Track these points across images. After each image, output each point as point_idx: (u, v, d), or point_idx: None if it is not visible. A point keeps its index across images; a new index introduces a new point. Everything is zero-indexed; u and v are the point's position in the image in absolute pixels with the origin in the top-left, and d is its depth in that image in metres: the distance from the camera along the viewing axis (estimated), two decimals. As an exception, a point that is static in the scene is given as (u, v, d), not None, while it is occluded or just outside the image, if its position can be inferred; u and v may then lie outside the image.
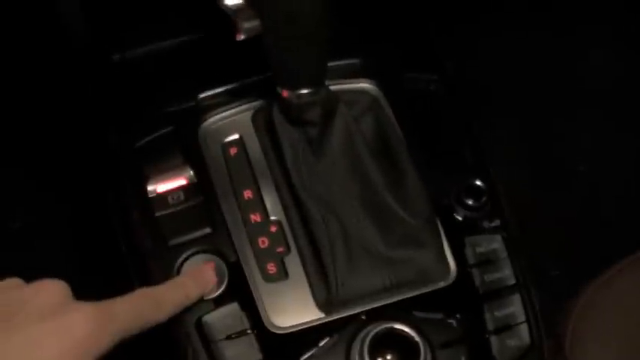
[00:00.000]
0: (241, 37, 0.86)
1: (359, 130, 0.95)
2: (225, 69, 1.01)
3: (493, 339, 0.90)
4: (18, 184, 1.27)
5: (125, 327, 0.75)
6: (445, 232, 0.94)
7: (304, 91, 0.90)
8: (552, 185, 1.21)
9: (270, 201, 0.95)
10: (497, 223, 0.95)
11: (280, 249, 0.93)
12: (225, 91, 1.01)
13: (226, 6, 0.86)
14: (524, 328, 0.92)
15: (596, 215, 1.19)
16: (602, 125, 1.26)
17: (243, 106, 1.00)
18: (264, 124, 0.98)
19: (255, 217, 0.94)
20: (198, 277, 0.88)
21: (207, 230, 0.92)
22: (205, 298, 0.89)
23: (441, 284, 0.92)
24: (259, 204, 0.94)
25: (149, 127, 0.98)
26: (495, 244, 0.94)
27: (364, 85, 1.01)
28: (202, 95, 1.00)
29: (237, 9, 0.86)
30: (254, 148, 0.97)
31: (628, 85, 1.29)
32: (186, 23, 1.03)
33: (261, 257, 0.92)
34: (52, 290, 0.73)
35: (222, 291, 0.90)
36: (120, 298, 0.77)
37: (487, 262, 0.93)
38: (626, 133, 1.27)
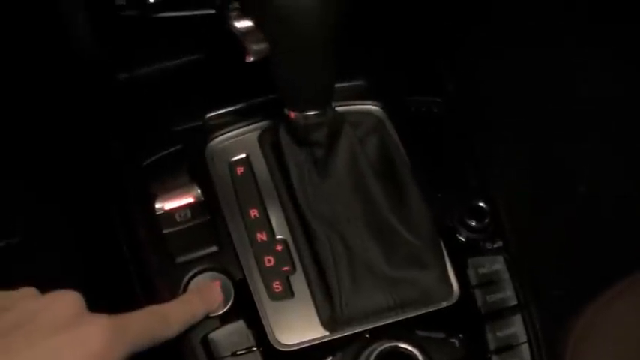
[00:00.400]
0: (250, 59, 0.88)
1: (364, 152, 0.97)
2: (232, 89, 1.03)
3: (495, 359, 0.92)
4: (19, 196, 1.27)
5: (136, 341, 0.76)
6: (448, 252, 0.96)
7: (311, 113, 0.91)
8: (553, 205, 1.23)
9: (276, 220, 0.96)
10: (499, 244, 0.96)
11: (286, 267, 0.94)
12: (232, 111, 1.02)
13: (236, 28, 0.88)
14: (525, 349, 0.93)
15: (597, 235, 1.20)
16: (602, 147, 1.28)
17: (250, 126, 1.01)
18: (270, 145, 0.99)
19: (262, 236, 0.95)
20: (204, 294, 0.90)
21: (214, 248, 0.94)
22: (212, 315, 0.90)
23: (444, 304, 0.93)
24: (265, 223, 0.96)
25: (156, 146, 0.99)
26: (497, 265, 0.95)
27: (369, 106, 1.03)
28: (209, 115, 1.02)
29: (246, 32, 0.88)
30: (260, 167, 0.99)
31: (627, 105, 1.31)
32: (194, 43, 1.05)
33: (267, 275, 0.93)
34: (67, 301, 0.73)
35: (229, 308, 0.91)
36: (131, 313, 0.78)
37: (489, 282, 0.94)
38: (625, 154, 1.28)
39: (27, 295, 0.75)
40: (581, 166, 1.23)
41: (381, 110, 1.03)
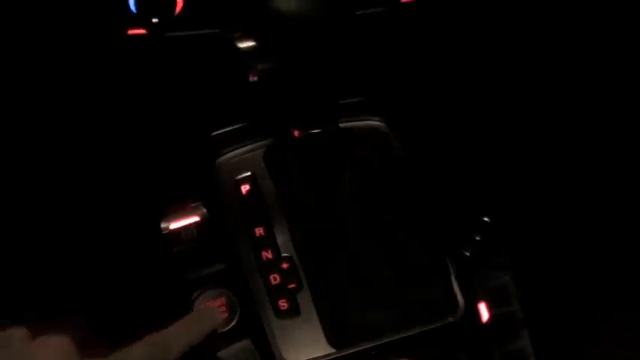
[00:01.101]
0: (254, 78, 0.88)
1: (370, 168, 0.97)
2: (238, 107, 1.03)
3: None
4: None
5: None
6: (454, 268, 0.96)
7: (315, 131, 0.92)
8: (558, 217, 1.22)
9: (282, 238, 0.96)
10: (505, 259, 0.97)
11: (292, 285, 0.94)
12: (237, 128, 1.03)
13: (239, 48, 0.89)
14: None
15: (602, 245, 1.19)
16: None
17: (256, 144, 1.02)
18: (276, 162, 0.99)
19: (267, 254, 0.95)
20: (205, 317, 0.90)
21: (220, 267, 0.94)
22: (219, 331, 0.91)
23: (450, 320, 0.93)
24: (271, 241, 0.96)
25: (162, 164, 1.00)
26: (504, 280, 0.96)
27: (374, 123, 1.03)
28: (215, 133, 1.02)
29: (249, 51, 0.88)
30: (266, 185, 0.99)
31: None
32: (199, 62, 1.05)
33: (273, 293, 0.94)
34: (56, 348, 0.71)
35: (235, 326, 0.91)
36: (130, 348, 0.77)
37: (496, 297, 0.95)
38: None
39: (17, 336, 0.73)
40: (582, 174, 1.22)
41: (385, 126, 1.03)
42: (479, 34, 1.05)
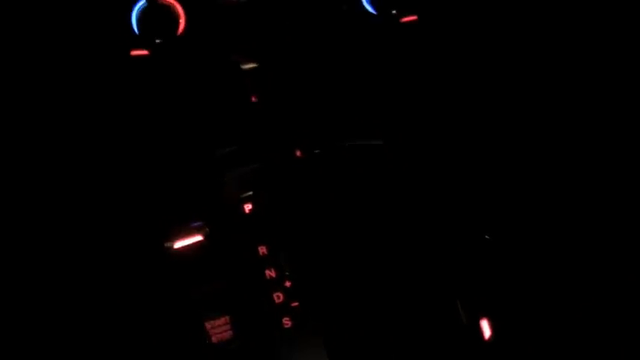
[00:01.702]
0: (255, 99, 0.89)
1: (371, 187, 0.98)
2: (240, 127, 1.04)
3: None
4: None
5: None
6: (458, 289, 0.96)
7: (317, 151, 0.93)
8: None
9: (285, 257, 0.97)
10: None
11: (295, 303, 0.95)
12: (240, 148, 1.04)
13: (242, 68, 0.90)
14: None
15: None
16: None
17: (258, 164, 1.03)
18: (278, 182, 1.00)
19: (271, 273, 0.96)
20: None
21: (224, 285, 0.95)
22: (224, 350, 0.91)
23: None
24: (274, 259, 0.97)
25: (165, 184, 1.01)
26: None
27: (375, 142, 1.04)
28: (218, 152, 1.03)
29: (252, 71, 0.89)
30: (269, 204, 1.00)
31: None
32: (204, 83, 1.06)
33: (277, 312, 0.94)
34: None
35: (240, 345, 0.92)
36: None
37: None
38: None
39: None
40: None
41: (387, 147, 1.04)
42: (478, 51, 1.06)
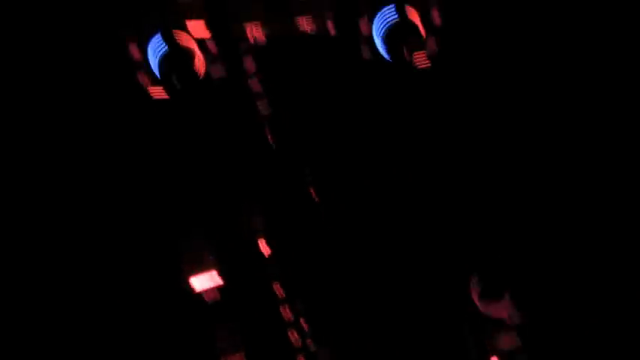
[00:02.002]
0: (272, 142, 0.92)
1: (382, 231, 1.00)
2: (258, 168, 1.06)
3: None
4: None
5: None
6: (467, 324, 0.98)
7: (333, 194, 0.95)
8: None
9: (303, 297, 0.99)
10: (516, 317, 0.98)
11: (311, 342, 0.96)
12: (260, 190, 1.06)
13: (261, 114, 0.93)
14: None
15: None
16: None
17: (276, 206, 1.05)
18: (294, 223, 1.02)
19: (287, 313, 0.98)
20: None
21: (240, 324, 0.97)
22: None
23: None
24: (290, 300, 0.99)
25: (187, 229, 1.03)
26: (515, 340, 0.97)
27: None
28: (236, 192, 1.05)
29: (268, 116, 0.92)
30: (286, 245, 1.02)
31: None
32: (223, 125, 1.09)
33: (293, 351, 0.96)
34: None
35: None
36: None
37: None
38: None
39: None
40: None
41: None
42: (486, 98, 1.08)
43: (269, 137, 0.94)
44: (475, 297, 0.98)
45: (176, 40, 0.97)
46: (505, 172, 1.08)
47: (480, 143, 1.08)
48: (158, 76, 1.00)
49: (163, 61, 0.99)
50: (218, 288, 0.99)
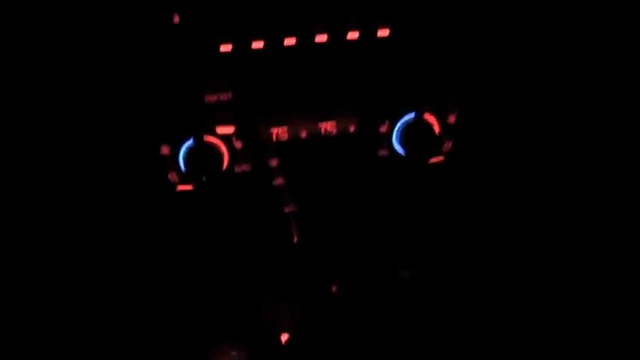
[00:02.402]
0: (296, 240, 0.96)
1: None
2: (280, 261, 1.10)
3: None
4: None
5: None
6: None
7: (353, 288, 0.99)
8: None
9: None
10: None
11: None
12: (279, 279, 1.10)
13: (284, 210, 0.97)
14: None
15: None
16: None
17: (296, 296, 1.09)
18: (315, 315, 1.06)
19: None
20: None
21: None
22: None
23: None
24: None
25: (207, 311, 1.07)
26: None
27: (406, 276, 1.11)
28: (258, 281, 1.09)
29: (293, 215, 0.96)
30: (307, 336, 1.06)
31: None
32: (245, 217, 1.13)
33: None
34: None
35: None
36: None
37: None
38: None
39: None
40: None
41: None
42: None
43: (293, 234, 0.99)
44: None
45: (204, 139, 1.02)
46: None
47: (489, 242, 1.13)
48: (184, 170, 1.04)
49: (191, 158, 1.03)
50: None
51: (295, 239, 0.96)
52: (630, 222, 1.11)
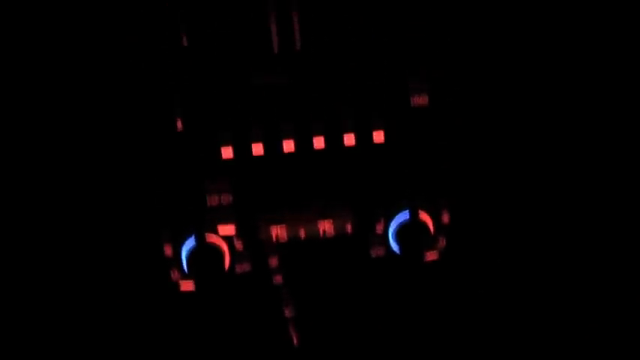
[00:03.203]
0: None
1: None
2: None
3: None
4: None
5: None
6: None
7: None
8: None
9: None
10: None
11: None
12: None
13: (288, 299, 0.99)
14: None
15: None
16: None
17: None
18: None
19: None
20: None
21: None
22: None
23: None
24: None
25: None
26: None
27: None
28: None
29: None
30: None
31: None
32: (248, 314, 1.15)
33: None
34: None
35: None
36: None
37: None
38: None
39: None
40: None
41: None
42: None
43: (293, 337, 1.01)
44: None
45: (207, 240, 1.05)
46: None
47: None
48: (186, 271, 1.07)
49: (193, 258, 1.06)
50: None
51: (295, 342, 0.99)
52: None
